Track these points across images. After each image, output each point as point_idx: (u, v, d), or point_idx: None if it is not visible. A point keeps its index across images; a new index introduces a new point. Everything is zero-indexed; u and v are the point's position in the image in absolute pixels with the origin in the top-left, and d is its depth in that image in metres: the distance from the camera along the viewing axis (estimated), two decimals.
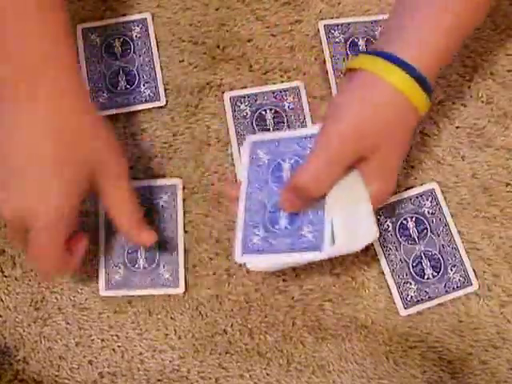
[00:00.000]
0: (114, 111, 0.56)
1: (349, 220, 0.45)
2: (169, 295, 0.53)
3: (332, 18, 0.59)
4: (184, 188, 0.55)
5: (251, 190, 0.48)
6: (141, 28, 0.58)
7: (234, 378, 0.51)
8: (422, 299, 0.52)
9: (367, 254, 0.53)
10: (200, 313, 0.52)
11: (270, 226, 0.46)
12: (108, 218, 0.48)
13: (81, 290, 0.53)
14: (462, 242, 0.53)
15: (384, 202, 0.47)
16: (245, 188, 0.48)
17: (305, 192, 0.44)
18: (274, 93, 0.56)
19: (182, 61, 0.58)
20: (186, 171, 0.55)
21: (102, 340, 0.52)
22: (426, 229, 0.53)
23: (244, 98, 0.57)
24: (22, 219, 0.43)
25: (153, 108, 0.57)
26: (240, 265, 0.53)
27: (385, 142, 0.44)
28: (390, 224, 0.53)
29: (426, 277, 0.52)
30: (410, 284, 0.52)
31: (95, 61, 0.58)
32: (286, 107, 0.56)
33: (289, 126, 0.56)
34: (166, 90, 0.57)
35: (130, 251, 0.53)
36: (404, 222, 0.53)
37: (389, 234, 0.53)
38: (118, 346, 0.52)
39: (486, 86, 0.57)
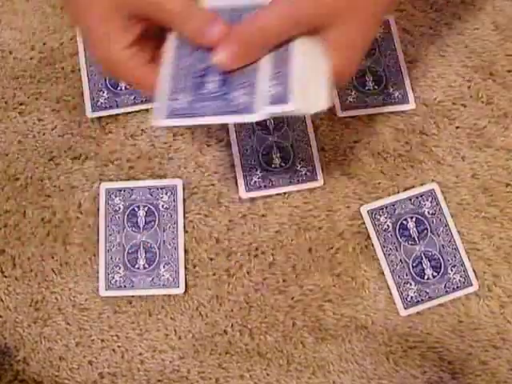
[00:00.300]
0: (114, 111, 0.56)
1: (303, 79, 0.41)
2: (169, 295, 0.53)
3: None
4: (184, 188, 0.55)
5: (179, 55, 0.43)
6: None
7: (234, 379, 0.51)
8: (422, 299, 0.52)
9: (367, 254, 0.53)
10: (200, 313, 0.52)
11: (197, 90, 0.42)
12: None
13: (81, 290, 0.53)
14: (462, 243, 0.53)
15: (342, 82, 0.44)
16: (171, 52, 0.44)
17: (251, 43, 0.41)
18: None
19: None
20: (186, 172, 0.55)
21: (102, 340, 0.52)
22: (426, 229, 0.53)
23: None
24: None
25: (153, 108, 0.57)
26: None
27: (349, 14, 0.41)
28: (390, 224, 0.53)
29: (426, 277, 0.52)
30: (410, 284, 0.52)
31: None
32: None
33: (289, 127, 0.56)
34: None
35: (130, 251, 0.53)
36: (404, 222, 0.54)
37: (389, 234, 0.53)
38: (118, 347, 0.52)
39: (486, 86, 0.57)
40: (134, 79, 0.44)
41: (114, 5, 0.41)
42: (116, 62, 0.43)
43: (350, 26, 0.42)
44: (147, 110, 0.57)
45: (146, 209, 0.54)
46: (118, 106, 0.56)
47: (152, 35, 0.43)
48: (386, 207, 0.54)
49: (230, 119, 0.41)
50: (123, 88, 0.57)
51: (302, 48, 0.41)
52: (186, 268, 0.53)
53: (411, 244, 0.53)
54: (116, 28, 0.42)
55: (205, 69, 0.42)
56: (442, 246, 0.53)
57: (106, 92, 0.57)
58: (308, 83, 0.41)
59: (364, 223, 0.54)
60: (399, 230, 0.53)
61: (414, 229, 0.53)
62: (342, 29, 0.42)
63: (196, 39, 0.42)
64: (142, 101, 0.56)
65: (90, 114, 0.56)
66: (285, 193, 0.55)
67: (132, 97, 0.56)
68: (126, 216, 0.54)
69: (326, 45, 0.42)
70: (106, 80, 0.57)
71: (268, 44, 0.41)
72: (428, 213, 0.54)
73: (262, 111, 0.40)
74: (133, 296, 0.53)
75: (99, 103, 0.56)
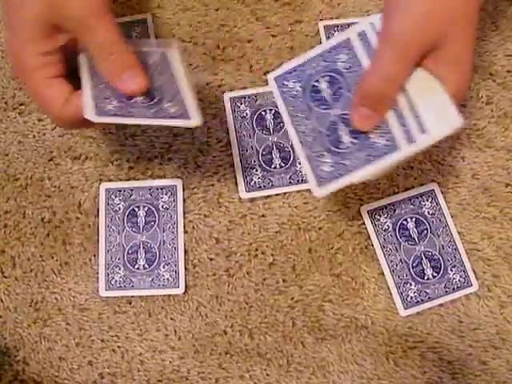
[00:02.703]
0: None
1: (432, 107, 0.41)
2: (169, 296, 0.53)
3: (332, 18, 0.59)
4: (184, 188, 0.55)
5: (300, 121, 0.44)
6: (141, 28, 0.58)
7: (233, 379, 0.51)
8: (422, 300, 0.52)
9: (367, 254, 0.53)
10: (200, 313, 0.52)
11: (337, 149, 0.43)
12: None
13: (81, 290, 0.53)
14: (462, 243, 0.53)
15: (461, 98, 0.43)
16: (289, 122, 0.45)
17: (379, 98, 0.41)
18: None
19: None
20: (186, 172, 0.55)
21: (102, 340, 0.52)
22: (426, 229, 0.53)
23: (244, 98, 0.57)
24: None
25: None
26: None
27: (454, 29, 0.40)
28: (390, 224, 0.53)
29: (425, 277, 0.52)
30: (410, 284, 0.52)
31: None
32: None
33: None
34: None
35: (130, 251, 0.53)
36: (404, 222, 0.54)
37: (389, 234, 0.53)
38: (118, 347, 0.52)
39: (486, 86, 0.57)
40: (35, 88, 0.44)
41: (43, 10, 0.41)
42: (25, 64, 0.43)
43: (458, 41, 0.41)
44: None
45: (145, 209, 0.54)
46: None
47: (71, 51, 0.44)
48: (386, 207, 0.54)
49: (385, 162, 0.41)
50: None
51: (416, 82, 0.41)
52: (185, 268, 0.53)
53: (411, 244, 0.53)
54: (39, 32, 0.42)
55: (330, 125, 0.43)
56: (442, 246, 0.53)
57: None
58: (436, 106, 0.41)
59: (364, 223, 0.54)
60: (399, 230, 0.53)
61: (414, 229, 0.53)
62: (451, 47, 0.41)
63: (112, 81, 0.43)
64: None
65: None
66: (285, 193, 0.55)
67: None
68: (125, 216, 0.54)
69: (441, 67, 0.41)
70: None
71: (396, 87, 0.41)
72: (428, 213, 0.54)
73: (418, 142, 0.41)
74: (133, 296, 0.53)
75: None
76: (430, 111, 0.41)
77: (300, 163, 0.55)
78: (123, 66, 0.43)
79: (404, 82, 0.41)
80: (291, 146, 0.56)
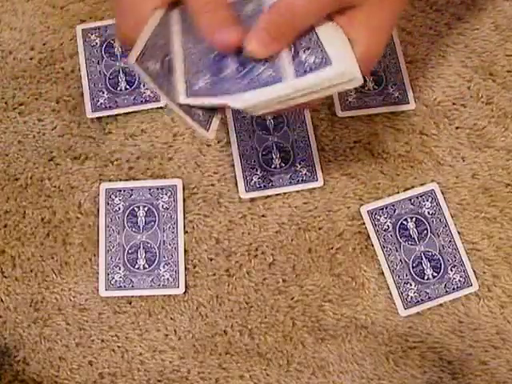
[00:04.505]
0: (113, 111, 0.56)
1: (333, 52, 0.39)
2: (169, 296, 0.53)
3: None
4: (184, 188, 0.55)
5: (188, 43, 0.42)
6: None
7: (234, 379, 0.51)
8: (422, 300, 0.52)
9: (367, 254, 0.53)
10: (200, 313, 0.52)
11: (218, 72, 0.40)
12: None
13: (81, 290, 0.53)
14: (462, 243, 0.53)
15: (370, 66, 0.42)
16: (179, 39, 0.42)
17: (279, 26, 0.39)
18: None
19: None
20: (186, 172, 0.55)
21: (102, 340, 0.52)
22: (426, 229, 0.53)
23: None
24: None
25: (153, 108, 0.57)
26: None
27: None
28: (390, 224, 0.53)
29: (426, 277, 0.52)
30: (410, 284, 0.52)
31: (95, 61, 0.58)
32: None
33: (289, 127, 0.56)
34: None
35: (130, 251, 0.53)
36: (404, 222, 0.54)
37: (389, 234, 0.53)
38: (118, 347, 0.52)
39: (486, 86, 0.57)
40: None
41: None
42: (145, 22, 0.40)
43: (378, 7, 0.40)
44: (147, 111, 0.57)
45: (145, 209, 0.54)
46: (117, 107, 0.56)
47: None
48: (386, 207, 0.54)
49: (257, 93, 0.39)
50: (123, 88, 0.57)
51: (326, 31, 0.40)
52: (185, 268, 0.53)
53: (411, 244, 0.53)
54: None
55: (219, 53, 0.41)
56: (442, 246, 0.53)
57: (105, 92, 0.57)
58: (342, 53, 0.39)
59: (364, 223, 0.54)
60: (399, 230, 0.53)
61: (414, 229, 0.53)
62: (368, 9, 0.40)
63: (206, 34, 0.40)
64: (141, 101, 0.57)
65: (89, 114, 0.56)
66: (285, 193, 0.55)
67: (132, 97, 0.57)
68: (125, 216, 0.54)
69: (351, 26, 0.40)
70: (106, 80, 0.57)
71: (297, 26, 0.39)
72: (428, 213, 0.54)
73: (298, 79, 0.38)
74: (133, 296, 0.53)
75: (99, 103, 0.56)
76: (330, 51, 0.39)
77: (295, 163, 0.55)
78: (220, 21, 0.39)
79: (309, 21, 0.39)
80: (291, 146, 0.56)
